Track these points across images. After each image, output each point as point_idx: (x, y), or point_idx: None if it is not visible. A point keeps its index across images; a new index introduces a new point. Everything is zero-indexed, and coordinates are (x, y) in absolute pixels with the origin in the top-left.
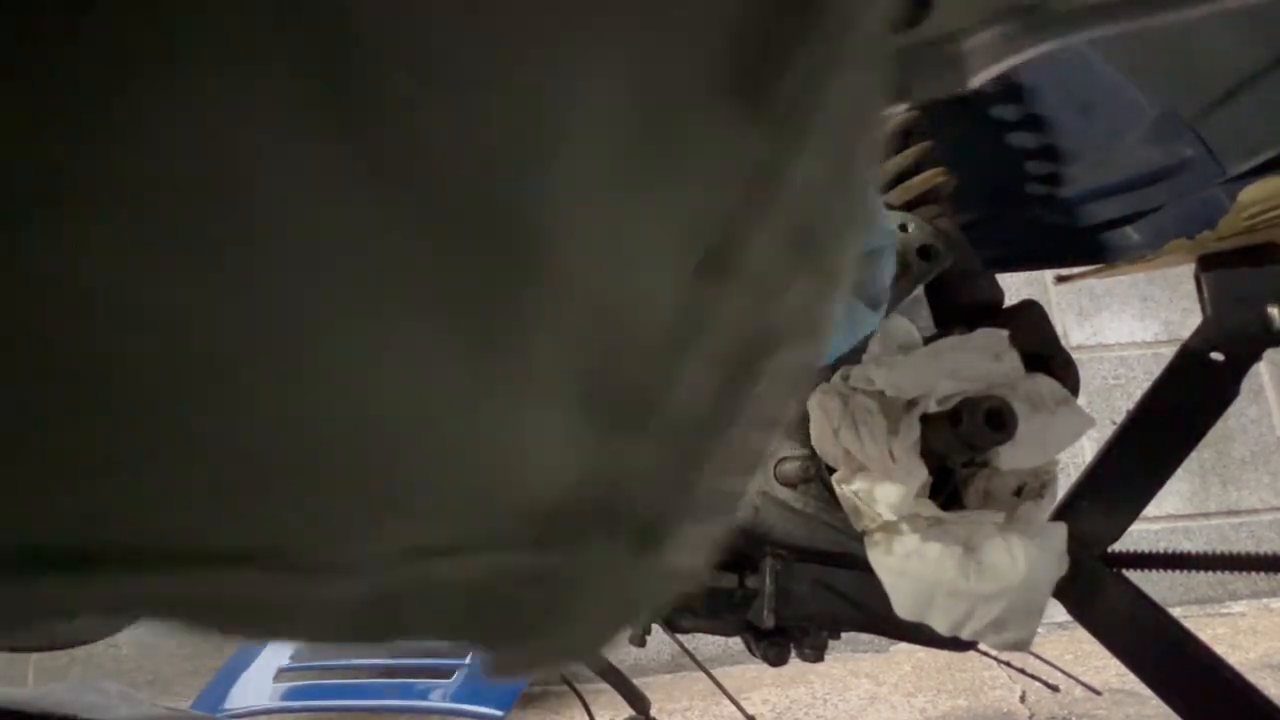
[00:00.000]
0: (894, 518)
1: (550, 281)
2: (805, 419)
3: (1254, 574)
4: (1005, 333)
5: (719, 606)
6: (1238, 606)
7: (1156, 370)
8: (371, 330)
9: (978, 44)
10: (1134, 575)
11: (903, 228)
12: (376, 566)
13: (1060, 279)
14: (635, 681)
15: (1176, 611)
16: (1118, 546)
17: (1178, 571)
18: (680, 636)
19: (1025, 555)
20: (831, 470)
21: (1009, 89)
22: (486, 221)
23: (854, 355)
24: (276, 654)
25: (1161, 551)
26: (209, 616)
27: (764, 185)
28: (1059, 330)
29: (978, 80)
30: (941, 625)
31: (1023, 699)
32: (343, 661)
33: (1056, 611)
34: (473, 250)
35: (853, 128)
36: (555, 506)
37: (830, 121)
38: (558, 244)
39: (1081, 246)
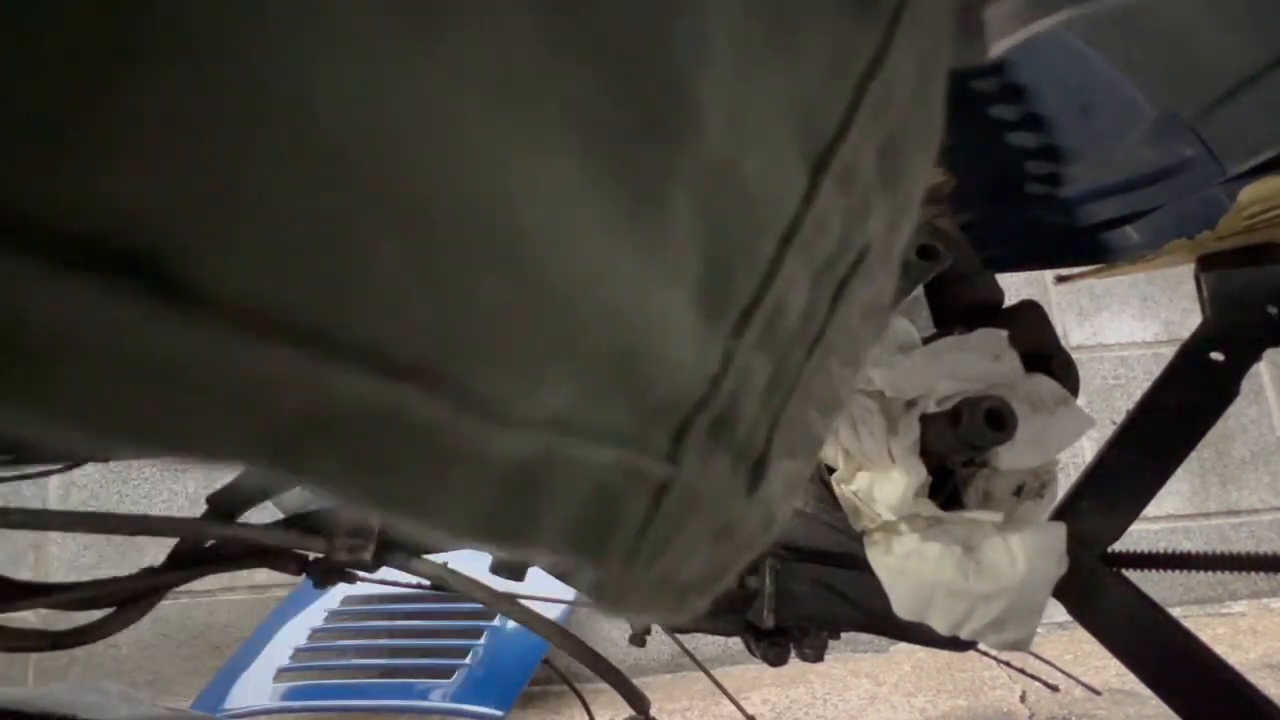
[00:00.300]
0: (893, 518)
1: (693, 138)
2: None
3: (1254, 574)
4: (1005, 333)
5: (719, 606)
6: (1238, 606)
7: (1156, 370)
8: (534, 157)
9: (999, 12)
10: (1134, 575)
11: None
12: (533, 428)
13: (1060, 279)
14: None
15: (1176, 611)
16: (1118, 546)
17: (1178, 571)
18: (680, 636)
19: (1025, 555)
20: (831, 470)
21: (1009, 89)
22: (645, 62)
23: None
24: (277, 654)
25: (1161, 551)
26: (375, 443)
27: (867, 84)
28: (1059, 330)
29: (998, 49)
30: (941, 625)
31: (1023, 699)
32: (343, 662)
33: (1056, 611)
34: (631, 90)
35: (938, 43)
36: (684, 416)
37: (924, 30)
38: (702, 100)
39: (1081, 246)
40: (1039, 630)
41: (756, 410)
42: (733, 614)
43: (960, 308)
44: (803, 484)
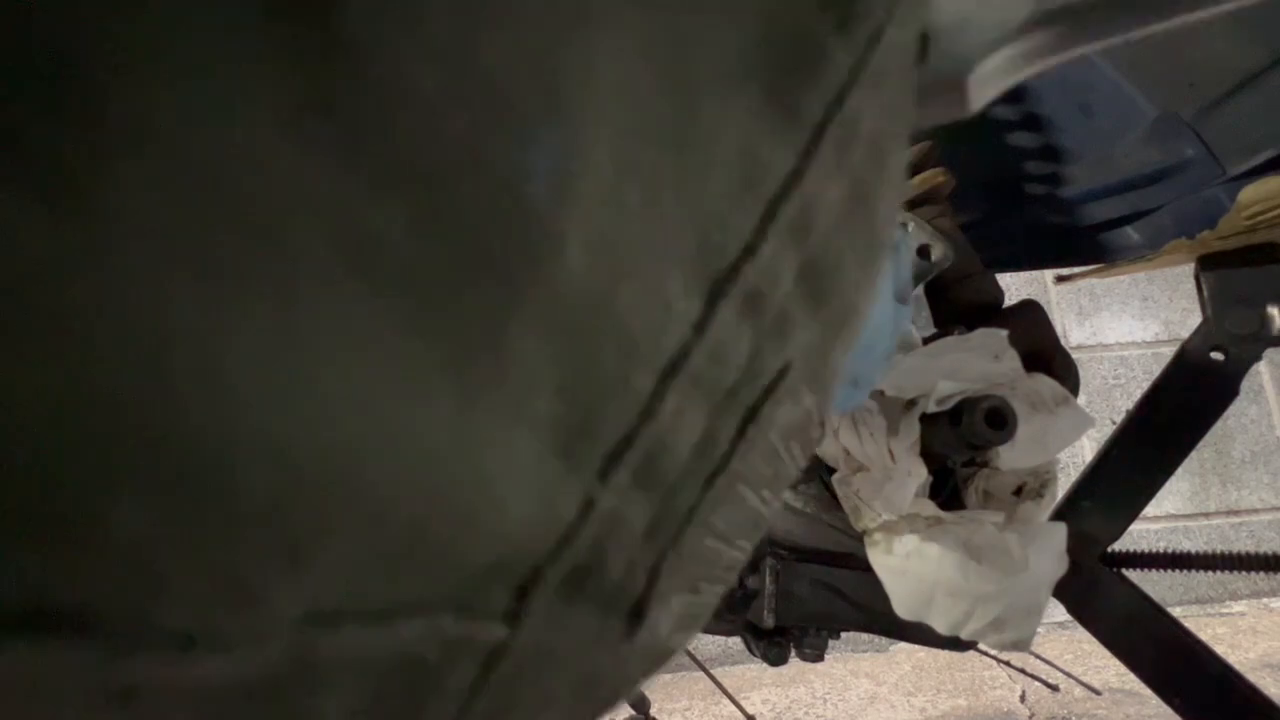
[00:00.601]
0: (894, 517)
1: (545, 275)
2: None
3: (1254, 574)
4: (1005, 332)
5: (719, 606)
6: (1238, 606)
7: (1156, 370)
8: (322, 310)
9: (982, 71)
10: (1134, 575)
11: (903, 227)
12: (268, 637)
13: (1060, 279)
14: None
15: (1176, 611)
16: (1118, 546)
17: (1178, 571)
18: None
19: (1025, 555)
20: (831, 470)
21: (1009, 89)
22: (474, 194)
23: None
24: None
25: (1161, 551)
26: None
27: (784, 201)
28: (1059, 330)
29: (980, 105)
30: (941, 625)
31: (1022, 699)
32: None
33: (1056, 611)
34: (451, 227)
35: (878, 158)
36: (531, 571)
37: (857, 145)
38: (561, 233)
39: (1081, 246)
40: (1039, 630)
41: (633, 553)
42: (733, 614)
43: (960, 308)
44: (709, 611)
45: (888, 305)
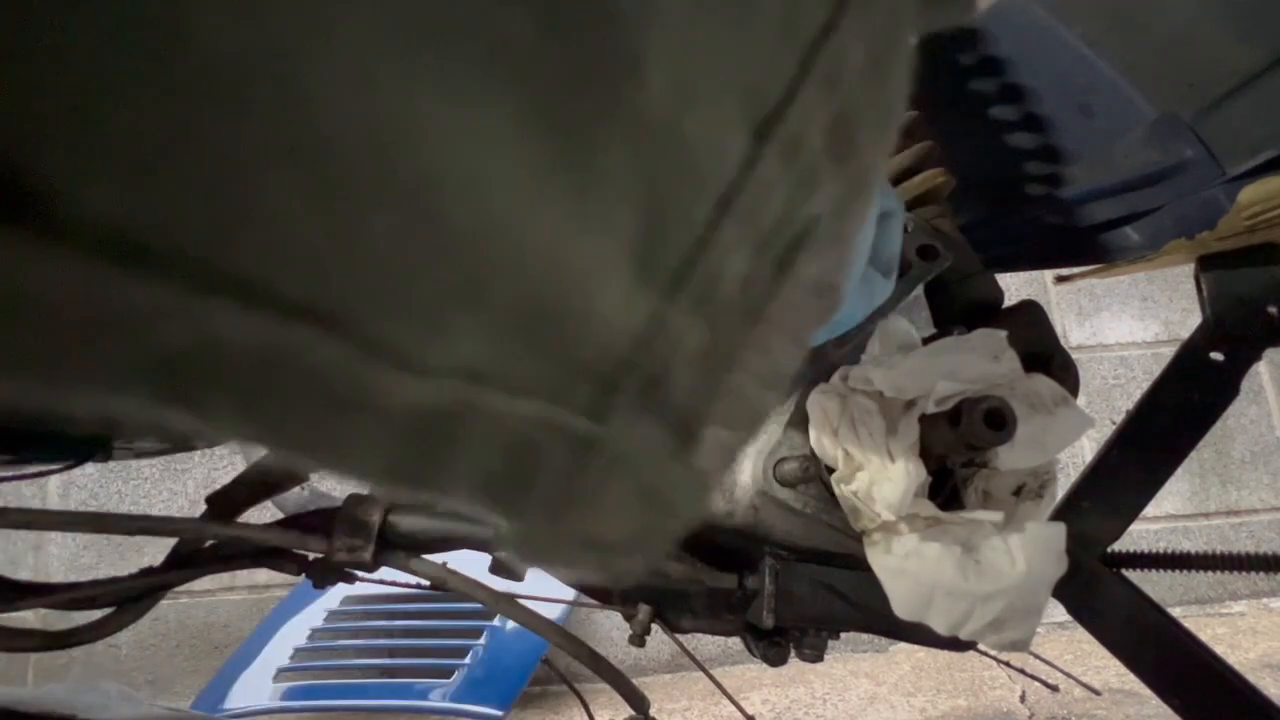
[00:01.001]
0: (893, 518)
1: (632, 89)
2: (804, 419)
3: (1254, 574)
4: (1004, 333)
5: (719, 606)
6: (1238, 606)
7: (1156, 370)
8: (452, 98)
9: None
10: (1134, 575)
11: (903, 227)
12: (444, 376)
13: (1060, 279)
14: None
15: (1176, 611)
16: (1117, 546)
17: (1178, 571)
18: (680, 636)
19: (1024, 555)
20: (831, 470)
21: (1009, 89)
22: (586, 4)
23: (854, 355)
24: (276, 654)
25: (1161, 551)
26: (271, 384)
27: (819, 50)
28: (1059, 330)
29: (983, 5)
30: (940, 625)
31: (1022, 699)
32: (343, 662)
33: (1056, 611)
34: (569, 33)
35: (898, 22)
36: (612, 374)
37: (881, 5)
38: (645, 51)
39: (1081, 246)
40: (1039, 630)
41: (692, 377)
42: (732, 614)
43: (960, 308)
44: (735, 457)
45: (869, 276)
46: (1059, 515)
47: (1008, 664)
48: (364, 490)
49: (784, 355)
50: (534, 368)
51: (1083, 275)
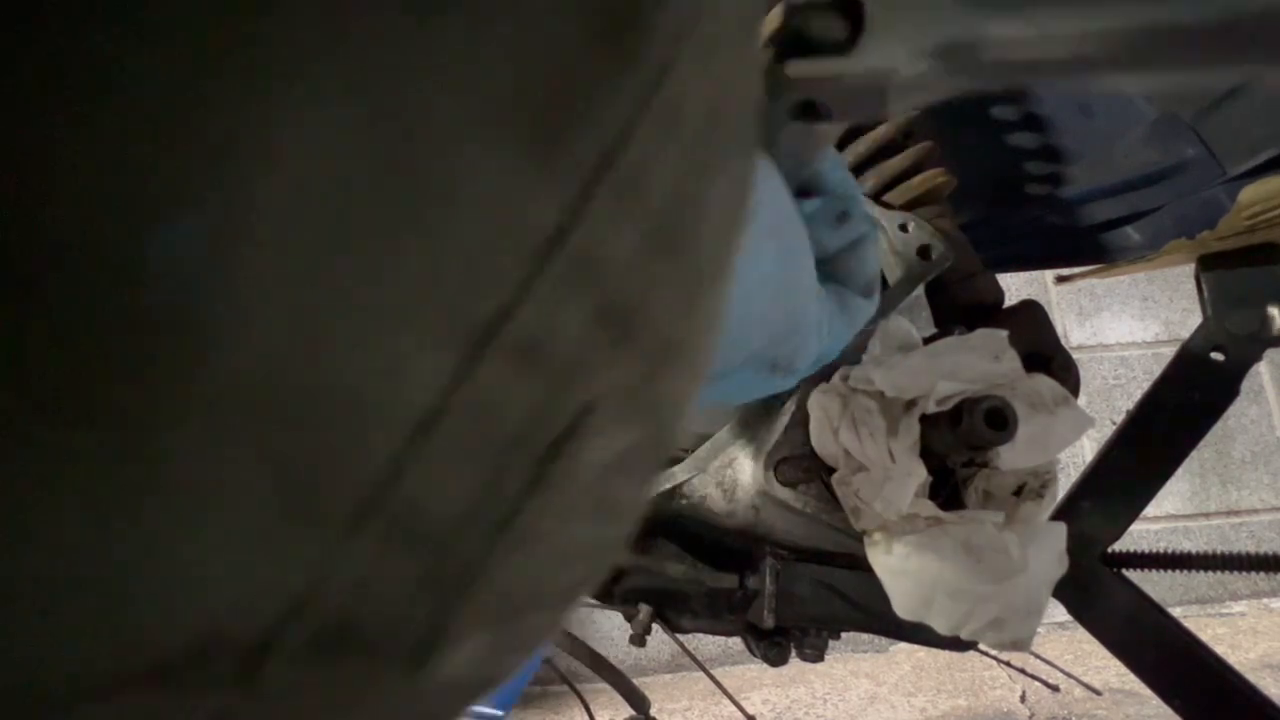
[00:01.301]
0: (894, 518)
1: (201, 368)
2: (805, 419)
3: (1254, 574)
4: (1005, 333)
5: (719, 606)
6: (1238, 606)
7: (1156, 370)
8: None
9: (904, 79)
10: (1134, 575)
11: (903, 228)
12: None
13: (1060, 279)
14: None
15: (1176, 611)
16: (1118, 546)
17: (1178, 571)
18: (680, 636)
19: (1025, 555)
20: (831, 470)
21: (1009, 89)
22: (81, 298)
23: (854, 355)
24: None
25: (1161, 551)
26: None
27: (554, 253)
28: (1059, 330)
29: (900, 110)
30: (941, 625)
31: (1023, 699)
32: None
33: (1056, 611)
34: (85, 333)
35: (688, 185)
36: (263, 637)
37: (650, 181)
38: (216, 315)
39: (1081, 246)
40: (1039, 630)
41: (403, 606)
42: (733, 614)
43: (960, 308)
44: (552, 629)
45: (848, 301)
46: (1059, 515)
47: (1008, 664)
48: None
49: (589, 529)
50: (121, 661)
51: (1083, 275)
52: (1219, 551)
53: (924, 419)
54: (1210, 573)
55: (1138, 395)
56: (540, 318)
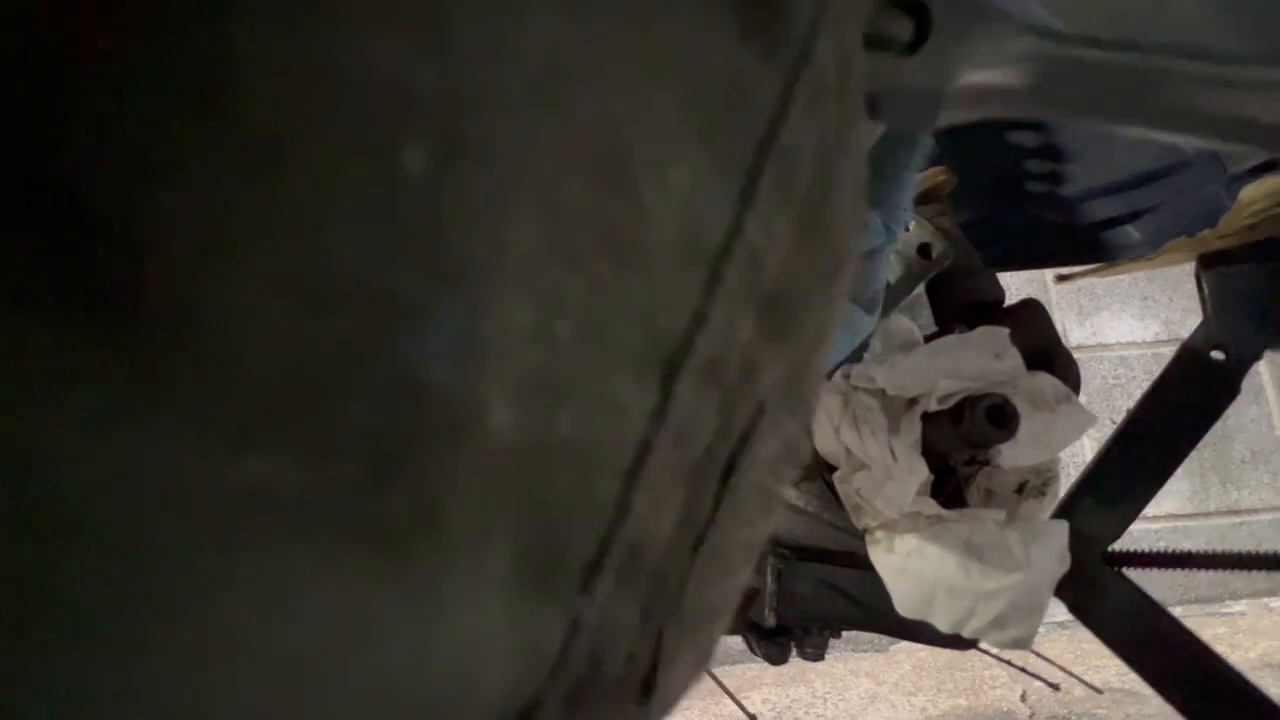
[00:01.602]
0: (895, 516)
1: (469, 446)
2: None
3: (1254, 573)
4: (1006, 331)
5: None
6: (1238, 606)
7: (1156, 370)
8: (250, 571)
9: (960, 92)
10: (1134, 574)
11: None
12: None
13: (1060, 278)
14: None
15: (1176, 611)
16: (1118, 545)
17: (1178, 571)
18: None
19: (1026, 553)
20: (832, 468)
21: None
22: (367, 400)
23: (855, 354)
24: None
25: (1162, 551)
26: None
27: (727, 258)
28: (1059, 329)
29: (942, 122)
30: (943, 623)
31: (1023, 698)
32: None
33: (1057, 610)
34: (348, 440)
35: (826, 171)
36: (528, 707)
37: (799, 169)
38: (477, 394)
39: (1082, 245)
40: (1040, 629)
41: (632, 644)
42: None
43: (961, 306)
44: (718, 638)
45: (852, 315)
46: (1060, 514)
47: (1009, 663)
48: None
49: (749, 533)
50: None
51: (1083, 274)
52: (1219, 551)
53: (925, 417)
54: (1210, 572)
55: (1138, 395)
56: (718, 332)
